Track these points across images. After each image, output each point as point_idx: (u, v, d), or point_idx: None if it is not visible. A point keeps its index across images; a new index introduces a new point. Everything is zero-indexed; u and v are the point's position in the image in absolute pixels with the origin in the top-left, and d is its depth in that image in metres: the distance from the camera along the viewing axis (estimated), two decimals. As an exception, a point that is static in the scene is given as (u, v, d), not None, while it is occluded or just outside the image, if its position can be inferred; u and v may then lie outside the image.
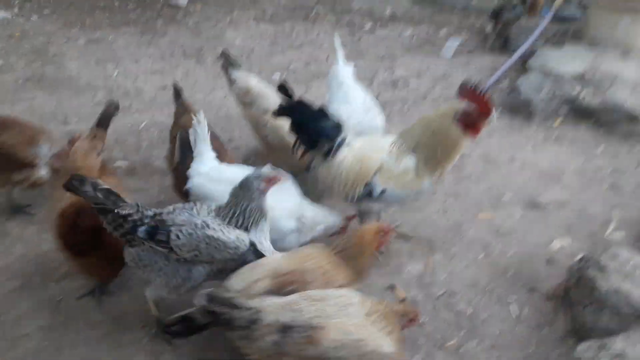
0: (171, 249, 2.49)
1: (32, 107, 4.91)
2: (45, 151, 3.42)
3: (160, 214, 2.53)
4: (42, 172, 3.48)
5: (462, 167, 4.05)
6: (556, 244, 3.28)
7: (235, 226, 2.55)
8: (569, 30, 5.91)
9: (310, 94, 4.83)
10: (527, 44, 5.59)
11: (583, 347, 2.50)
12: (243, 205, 2.57)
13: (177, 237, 2.47)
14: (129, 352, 2.72)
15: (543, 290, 3.06)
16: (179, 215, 2.52)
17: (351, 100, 3.64)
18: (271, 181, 2.62)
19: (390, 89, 5.29)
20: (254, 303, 2.21)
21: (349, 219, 3.21)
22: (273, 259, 2.56)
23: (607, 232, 3.41)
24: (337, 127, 3.11)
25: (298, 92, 3.58)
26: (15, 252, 3.33)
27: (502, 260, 3.26)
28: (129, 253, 2.60)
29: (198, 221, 2.50)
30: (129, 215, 2.48)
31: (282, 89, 3.37)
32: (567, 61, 5.03)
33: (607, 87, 4.56)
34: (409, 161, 2.99)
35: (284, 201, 2.97)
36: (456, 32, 6.47)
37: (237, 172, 2.94)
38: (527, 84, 4.77)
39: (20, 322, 2.88)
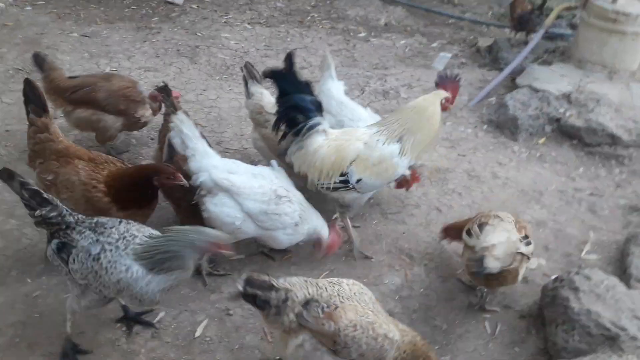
0: (69, 271, 2.49)
1: (22, 98, 4.88)
2: (144, 92, 4.00)
3: (76, 225, 2.50)
4: (148, 111, 4.04)
5: (447, 181, 4.11)
6: (532, 263, 3.33)
7: (150, 267, 2.40)
8: (558, 49, 6.00)
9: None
10: (518, 61, 5.66)
11: (552, 367, 2.56)
12: (165, 249, 2.40)
13: (74, 261, 2.45)
14: (104, 351, 2.75)
15: (517, 308, 3.12)
16: (84, 239, 2.46)
17: (359, 118, 3.71)
18: (217, 247, 2.44)
19: (381, 98, 5.34)
20: (284, 284, 2.34)
21: (332, 226, 3.25)
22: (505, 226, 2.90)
23: (583, 254, 3.48)
24: (316, 106, 3.17)
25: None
26: (-6, 247, 3.32)
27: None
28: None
29: (94, 251, 2.42)
30: (51, 217, 2.49)
31: (289, 58, 3.35)
32: (555, 80, 5.12)
33: (591, 109, 4.64)
34: (384, 149, 3.11)
35: (295, 196, 3.12)
36: (448, 44, 6.54)
37: (249, 166, 3.14)
38: (515, 101, 4.84)
39: (-7, 317, 2.87)
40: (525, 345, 2.92)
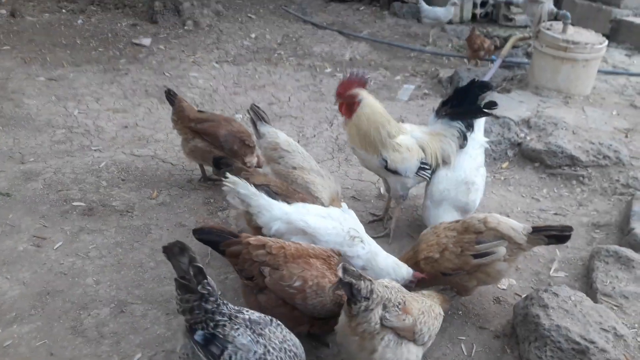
0: None
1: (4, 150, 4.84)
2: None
3: (230, 321, 2.37)
4: (254, 159, 4.31)
5: (414, 209, 4.20)
6: (504, 283, 3.43)
7: None
8: (516, 77, 6.29)
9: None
10: (478, 90, 5.90)
11: (527, 384, 2.61)
12: None
13: (230, 357, 2.30)
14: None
15: (492, 329, 3.19)
16: (242, 335, 2.33)
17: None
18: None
19: (349, 130, 5.46)
20: (367, 274, 2.51)
21: (417, 278, 3.13)
22: None
23: (551, 272, 3.59)
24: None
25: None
26: (-37, 296, 3.24)
27: (453, 299, 3.38)
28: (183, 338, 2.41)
29: (259, 350, 2.31)
30: (204, 301, 2.32)
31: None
32: (514, 106, 5.35)
33: (550, 132, 4.86)
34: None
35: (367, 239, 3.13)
36: (411, 76, 6.78)
37: (317, 207, 3.18)
38: (478, 128, 5.02)
39: (-35, 370, 2.79)
40: (501, 364, 2.97)
